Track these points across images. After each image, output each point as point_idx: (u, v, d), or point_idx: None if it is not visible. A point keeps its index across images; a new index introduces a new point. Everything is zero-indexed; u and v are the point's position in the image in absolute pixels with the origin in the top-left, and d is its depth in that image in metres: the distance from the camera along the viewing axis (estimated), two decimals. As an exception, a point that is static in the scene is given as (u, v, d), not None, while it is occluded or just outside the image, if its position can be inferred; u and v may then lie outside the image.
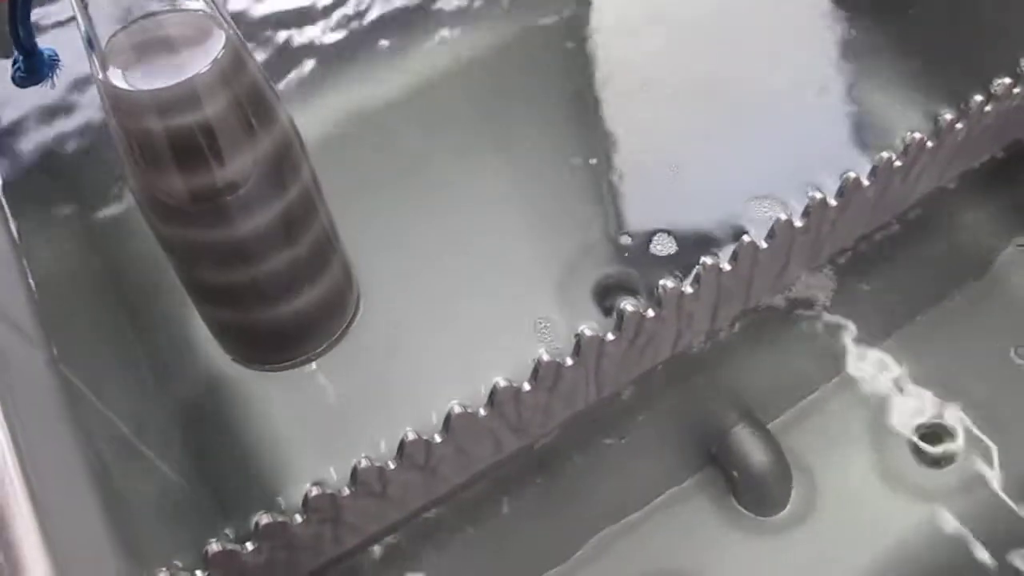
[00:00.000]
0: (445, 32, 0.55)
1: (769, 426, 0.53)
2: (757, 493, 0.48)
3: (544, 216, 0.48)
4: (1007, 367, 0.53)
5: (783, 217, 0.39)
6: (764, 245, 0.39)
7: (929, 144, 0.42)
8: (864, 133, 0.48)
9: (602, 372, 0.39)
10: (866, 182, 0.40)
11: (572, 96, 0.53)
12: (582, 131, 0.51)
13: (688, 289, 0.38)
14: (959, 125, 0.42)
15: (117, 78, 0.31)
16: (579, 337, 0.36)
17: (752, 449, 0.53)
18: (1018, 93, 0.44)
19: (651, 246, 0.45)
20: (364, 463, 0.34)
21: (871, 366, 0.54)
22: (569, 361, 0.36)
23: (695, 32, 0.54)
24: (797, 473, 0.53)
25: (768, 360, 0.51)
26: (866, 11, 0.53)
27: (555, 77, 0.54)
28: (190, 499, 0.40)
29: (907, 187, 0.44)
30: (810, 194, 0.39)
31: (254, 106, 0.32)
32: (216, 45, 0.31)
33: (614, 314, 0.37)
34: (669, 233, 0.45)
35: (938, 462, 0.53)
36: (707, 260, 0.38)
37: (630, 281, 0.45)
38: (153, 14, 0.31)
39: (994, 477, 0.51)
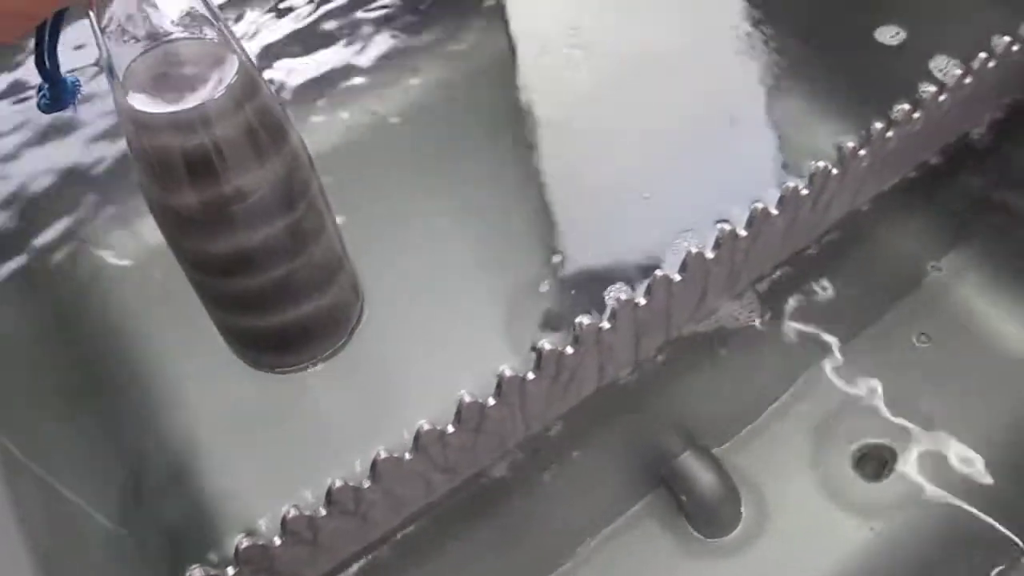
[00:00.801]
0: (362, 80, 0.57)
1: (715, 448, 0.55)
2: (707, 516, 0.49)
3: (474, 255, 0.49)
4: (936, 381, 0.55)
5: (694, 250, 0.40)
6: (678, 278, 0.40)
7: (834, 171, 0.43)
8: (781, 160, 0.50)
9: (527, 410, 0.40)
10: (775, 211, 0.42)
11: (496, 134, 0.54)
12: (503, 170, 0.52)
13: (605, 324, 0.39)
14: (862, 152, 0.44)
15: (137, 101, 0.33)
16: (500, 378, 0.37)
17: (699, 472, 0.54)
18: (918, 118, 0.45)
19: (579, 279, 0.46)
20: (293, 512, 0.35)
21: (808, 385, 0.55)
22: (491, 401, 0.37)
23: (618, 68, 0.56)
24: (746, 493, 0.53)
25: (704, 384, 0.52)
26: (773, 40, 0.54)
27: (480, 117, 0.55)
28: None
29: (817, 214, 0.45)
30: (719, 226, 0.41)
31: (265, 128, 0.35)
32: (229, 71, 0.33)
33: (533, 353, 0.38)
34: (592, 267, 0.46)
35: (879, 476, 0.54)
36: (621, 295, 0.39)
37: (557, 316, 0.46)
38: (170, 41, 0.33)
39: (938, 487, 0.52)
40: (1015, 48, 0.48)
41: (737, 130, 0.51)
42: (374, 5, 0.60)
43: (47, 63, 0.36)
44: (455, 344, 0.45)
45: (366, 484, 0.36)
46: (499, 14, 0.60)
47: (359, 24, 0.60)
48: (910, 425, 0.54)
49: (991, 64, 0.47)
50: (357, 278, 0.44)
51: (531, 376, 0.38)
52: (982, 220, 0.57)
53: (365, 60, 0.58)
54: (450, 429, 0.37)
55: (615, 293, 0.40)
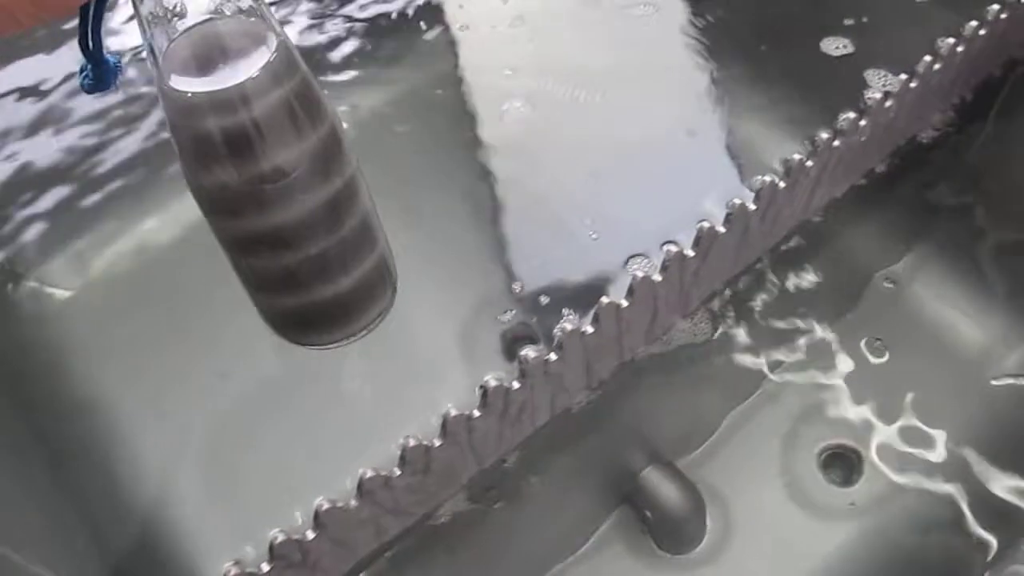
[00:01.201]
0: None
1: (680, 462, 0.54)
2: (672, 532, 0.48)
3: (425, 285, 0.48)
4: (893, 382, 0.54)
5: (640, 274, 0.39)
6: (625, 303, 0.39)
7: (782, 185, 0.42)
8: (729, 176, 0.49)
9: (477, 447, 0.39)
10: (722, 229, 0.41)
11: (441, 163, 0.53)
12: (448, 200, 0.51)
13: (552, 356, 0.38)
14: (809, 163, 0.43)
15: (176, 81, 0.33)
16: (445, 418, 0.36)
17: (662, 487, 0.53)
18: (865, 125, 0.45)
19: (533, 308, 0.45)
20: (234, 571, 0.34)
21: (768, 393, 0.55)
22: (437, 442, 0.36)
23: (569, 91, 0.55)
24: (711, 507, 0.53)
25: (662, 401, 0.52)
26: (718, 57, 0.54)
27: (425, 147, 0.54)
28: None
29: (767, 228, 0.44)
30: (667, 247, 0.40)
31: (304, 104, 0.35)
32: (268, 49, 0.33)
33: (478, 389, 0.37)
34: (544, 296, 0.45)
35: (846, 480, 0.54)
36: (567, 325, 0.38)
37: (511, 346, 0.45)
38: (209, 20, 0.33)
39: (903, 488, 0.52)
40: (960, 49, 0.47)
41: (685, 149, 0.50)
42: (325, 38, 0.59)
43: (91, 44, 0.36)
44: (405, 382, 0.44)
45: (310, 535, 0.35)
46: (443, 44, 0.59)
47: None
48: (875, 424, 0.54)
49: (936, 67, 0.46)
50: (391, 255, 0.44)
51: (477, 413, 0.37)
52: (932, 223, 0.57)
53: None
54: (396, 472, 0.36)
55: (563, 323, 0.39)
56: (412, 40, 0.59)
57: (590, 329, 0.39)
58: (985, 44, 0.49)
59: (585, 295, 0.43)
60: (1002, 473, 0.52)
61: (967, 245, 0.57)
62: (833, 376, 0.55)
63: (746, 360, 0.54)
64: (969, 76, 0.51)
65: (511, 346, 0.43)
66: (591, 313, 0.39)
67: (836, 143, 0.44)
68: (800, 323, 0.54)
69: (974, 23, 0.47)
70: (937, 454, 0.53)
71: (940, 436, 0.52)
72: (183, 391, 0.45)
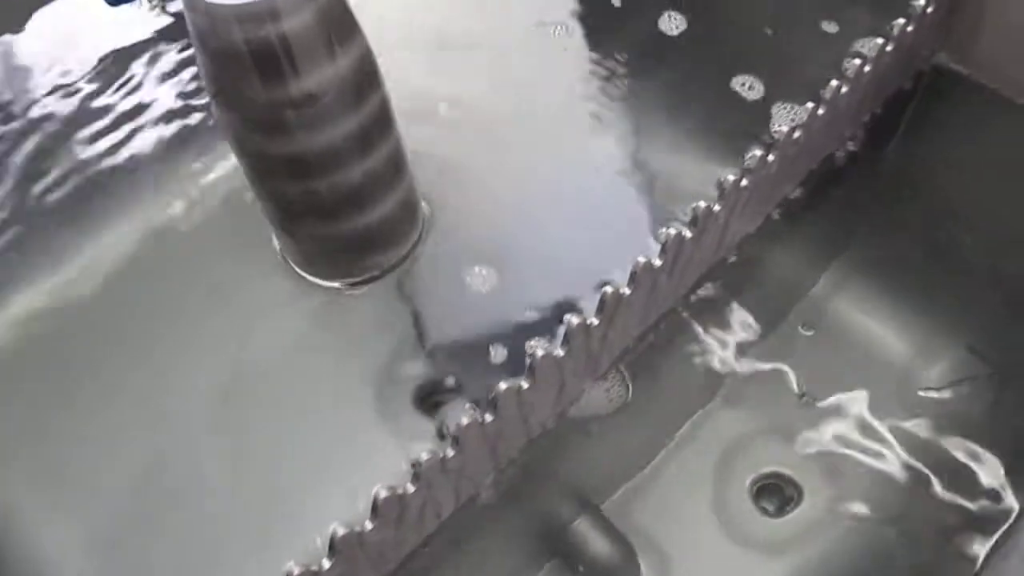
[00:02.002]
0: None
1: (609, 509, 0.51)
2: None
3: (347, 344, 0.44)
4: (827, 417, 0.53)
5: (540, 353, 0.35)
6: (526, 385, 0.36)
7: (688, 235, 0.39)
8: (635, 231, 0.45)
9: (373, 557, 0.35)
10: (627, 291, 0.38)
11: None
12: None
13: (449, 453, 0.34)
14: (716, 207, 0.40)
15: None
16: (375, 500, 0.32)
17: (591, 538, 0.51)
18: (773, 161, 0.42)
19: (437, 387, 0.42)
20: None
21: (695, 430, 0.53)
22: (369, 525, 0.32)
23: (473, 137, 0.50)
24: (645, 553, 0.51)
25: (583, 457, 0.49)
26: (624, 102, 0.50)
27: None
28: None
29: (675, 280, 0.41)
30: (567, 319, 0.36)
31: (334, 22, 0.34)
32: None
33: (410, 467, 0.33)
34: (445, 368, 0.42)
35: (780, 510, 0.52)
36: (464, 419, 0.34)
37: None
38: None
39: (839, 513, 0.50)
40: (867, 69, 0.44)
41: (586, 197, 0.46)
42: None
43: None
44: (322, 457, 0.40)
45: None
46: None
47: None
48: (805, 450, 0.52)
49: (844, 90, 0.44)
50: (416, 187, 0.43)
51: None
52: (849, 242, 0.55)
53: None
54: (325, 564, 0.32)
55: (459, 414, 0.35)
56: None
57: (489, 417, 0.35)
58: (892, 59, 0.46)
59: (482, 377, 0.39)
60: (942, 490, 0.50)
61: (885, 261, 0.55)
62: (760, 406, 0.53)
63: (666, 403, 0.52)
64: (878, 92, 0.48)
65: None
66: (490, 399, 0.35)
67: (744, 182, 0.41)
68: (721, 356, 0.52)
69: (879, 40, 0.44)
70: (870, 475, 0.51)
71: (872, 457, 0.51)
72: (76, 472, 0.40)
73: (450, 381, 0.41)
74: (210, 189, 0.48)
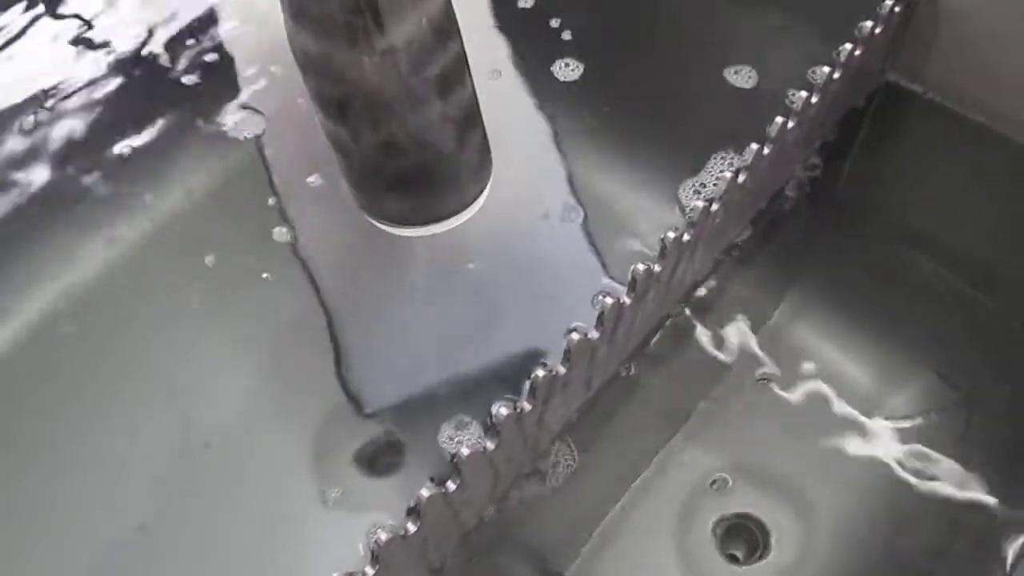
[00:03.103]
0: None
1: (569, 568, 0.49)
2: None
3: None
4: (790, 453, 0.50)
5: (465, 452, 0.32)
6: (452, 487, 0.32)
7: (627, 301, 0.36)
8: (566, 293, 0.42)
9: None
10: (562, 369, 0.34)
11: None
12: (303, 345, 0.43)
13: (411, 527, 0.31)
14: (657, 268, 0.37)
15: None
16: None
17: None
18: (718, 209, 0.38)
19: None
20: None
21: (653, 480, 0.50)
22: None
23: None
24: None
25: (537, 522, 0.46)
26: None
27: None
28: None
29: (617, 346, 0.38)
30: (497, 411, 0.33)
31: None
32: None
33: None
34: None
35: (749, 556, 0.49)
36: (382, 535, 0.31)
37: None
38: None
39: (812, 552, 0.48)
40: (814, 100, 0.41)
41: (516, 264, 0.42)
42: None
43: None
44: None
45: None
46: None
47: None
48: (769, 490, 0.50)
49: (790, 124, 0.40)
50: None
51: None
52: (803, 275, 0.52)
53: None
54: None
55: (378, 531, 0.32)
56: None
57: (412, 528, 0.31)
58: (841, 86, 0.43)
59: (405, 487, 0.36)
60: (921, 527, 0.48)
61: (843, 286, 0.53)
62: (718, 450, 0.50)
63: (621, 454, 0.49)
64: (827, 120, 0.45)
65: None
66: (411, 507, 0.32)
67: (686, 237, 0.37)
68: (676, 401, 0.49)
69: (826, 68, 0.41)
70: (840, 511, 0.49)
71: (844, 492, 0.49)
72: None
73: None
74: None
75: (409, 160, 0.40)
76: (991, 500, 0.47)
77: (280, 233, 0.45)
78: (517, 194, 0.44)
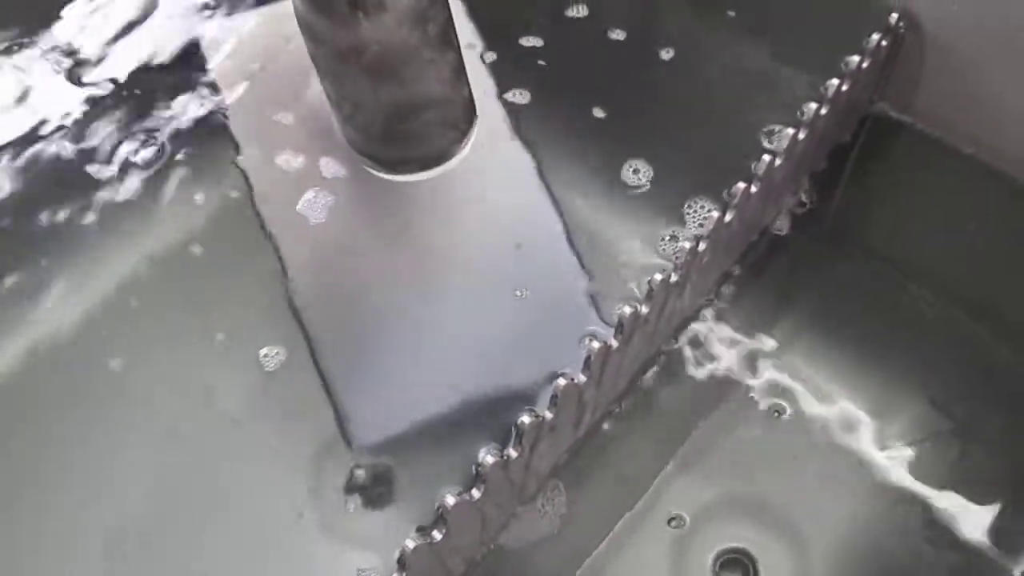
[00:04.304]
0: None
1: None
2: None
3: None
4: (787, 488, 0.50)
5: (451, 501, 0.32)
6: (439, 537, 0.32)
7: (614, 344, 0.36)
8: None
9: None
10: (548, 415, 0.34)
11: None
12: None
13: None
14: (644, 309, 0.36)
15: None
16: None
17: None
18: (705, 250, 0.38)
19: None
20: None
21: (642, 515, 0.49)
22: None
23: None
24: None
25: (530, 563, 0.46)
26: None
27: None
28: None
29: (604, 389, 0.38)
30: (482, 458, 0.33)
31: None
32: None
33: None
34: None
35: None
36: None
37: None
38: None
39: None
40: (801, 136, 0.41)
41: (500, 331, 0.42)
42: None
43: None
44: None
45: None
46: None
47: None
48: (762, 521, 0.49)
49: (777, 163, 0.40)
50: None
51: None
52: (793, 309, 0.52)
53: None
54: None
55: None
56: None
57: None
58: (828, 121, 0.43)
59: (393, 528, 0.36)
60: (917, 559, 0.48)
61: (834, 318, 0.52)
62: (711, 483, 0.50)
63: (608, 495, 0.49)
64: (816, 154, 0.45)
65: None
66: (398, 558, 0.31)
67: (674, 278, 0.37)
68: (663, 443, 0.49)
69: (813, 104, 0.41)
70: (833, 541, 0.48)
71: (836, 523, 0.48)
72: None
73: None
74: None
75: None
76: (986, 528, 0.47)
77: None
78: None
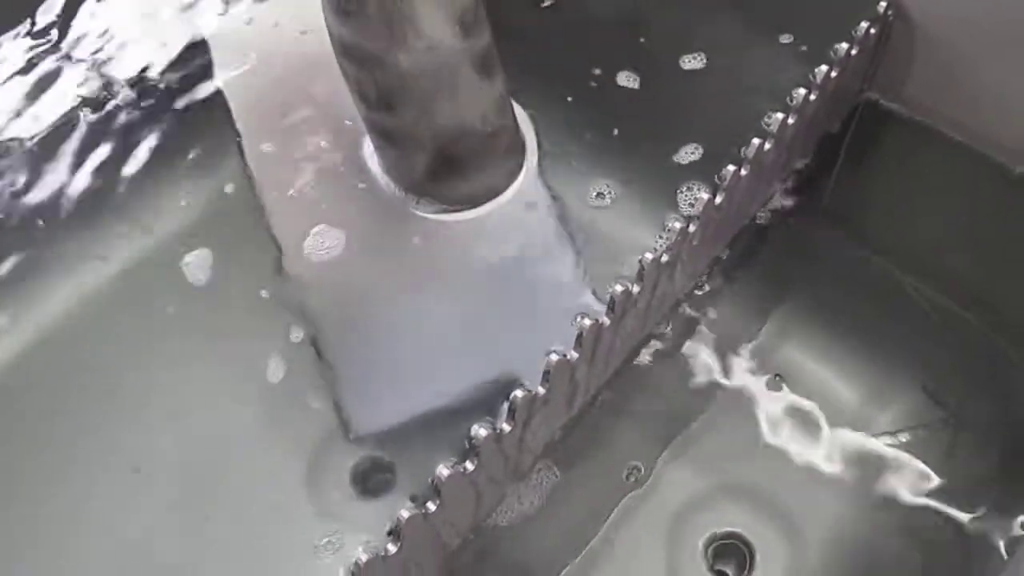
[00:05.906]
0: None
1: None
2: None
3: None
4: (779, 471, 0.50)
5: (445, 472, 0.32)
6: (432, 507, 0.32)
7: (606, 322, 0.36)
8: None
9: None
10: (541, 390, 0.35)
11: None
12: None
13: (392, 548, 0.31)
14: (635, 288, 0.37)
15: None
16: None
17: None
18: (695, 231, 0.39)
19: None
20: None
21: (638, 504, 0.50)
22: None
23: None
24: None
25: (524, 541, 0.46)
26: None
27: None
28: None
29: (597, 368, 0.38)
30: (475, 431, 0.33)
31: None
32: None
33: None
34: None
35: (739, 575, 0.49)
36: (362, 555, 0.31)
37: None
38: None
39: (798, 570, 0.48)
40: (791, 121, 0.42)
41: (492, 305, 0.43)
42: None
43: None
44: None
45: None
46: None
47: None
48: (755, 507, 0.50)
49: (767, 146, 0.41)
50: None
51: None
52: (786, 296, 0.52)
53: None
54: None
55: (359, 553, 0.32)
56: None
57: (393, 549, 0.32)
58: (818, 107, 0.43)
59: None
60: (908, 542, 0.48)
61: (827, 306, 0.53)
62: (704, 469, 0.50)
63: (596, 488, 0.49)
64: (806, 140, 0.46)
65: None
66: (393, 528, 0.32)
67: (665, 258, 0.38)
68: (652, 437, 0.49)
69: (803, 90, 0.42)
70: (827, 528, 0.49)
71: (830, 509, 0.49)
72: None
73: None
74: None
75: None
76: (978, 516, 0.47)
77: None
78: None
